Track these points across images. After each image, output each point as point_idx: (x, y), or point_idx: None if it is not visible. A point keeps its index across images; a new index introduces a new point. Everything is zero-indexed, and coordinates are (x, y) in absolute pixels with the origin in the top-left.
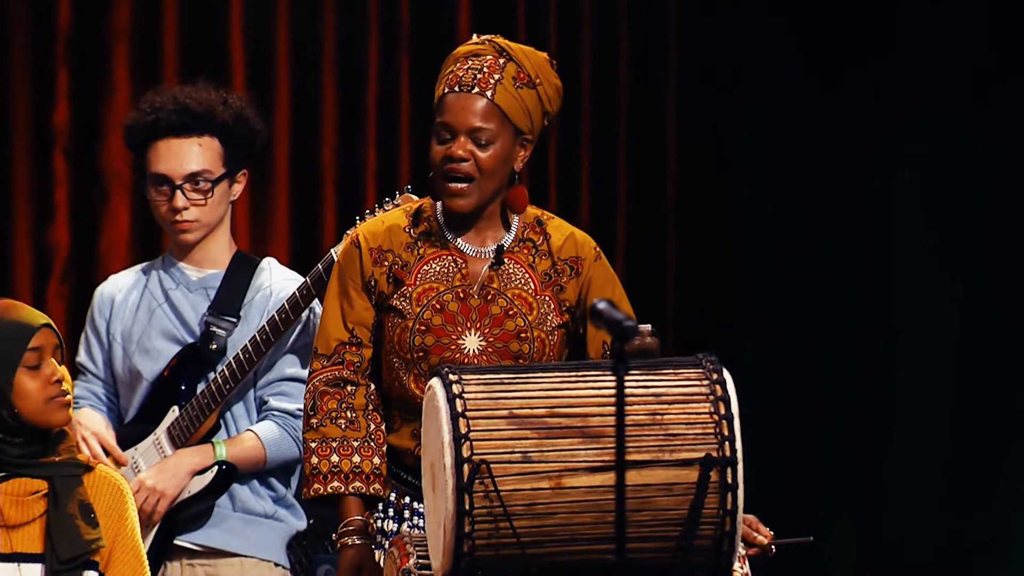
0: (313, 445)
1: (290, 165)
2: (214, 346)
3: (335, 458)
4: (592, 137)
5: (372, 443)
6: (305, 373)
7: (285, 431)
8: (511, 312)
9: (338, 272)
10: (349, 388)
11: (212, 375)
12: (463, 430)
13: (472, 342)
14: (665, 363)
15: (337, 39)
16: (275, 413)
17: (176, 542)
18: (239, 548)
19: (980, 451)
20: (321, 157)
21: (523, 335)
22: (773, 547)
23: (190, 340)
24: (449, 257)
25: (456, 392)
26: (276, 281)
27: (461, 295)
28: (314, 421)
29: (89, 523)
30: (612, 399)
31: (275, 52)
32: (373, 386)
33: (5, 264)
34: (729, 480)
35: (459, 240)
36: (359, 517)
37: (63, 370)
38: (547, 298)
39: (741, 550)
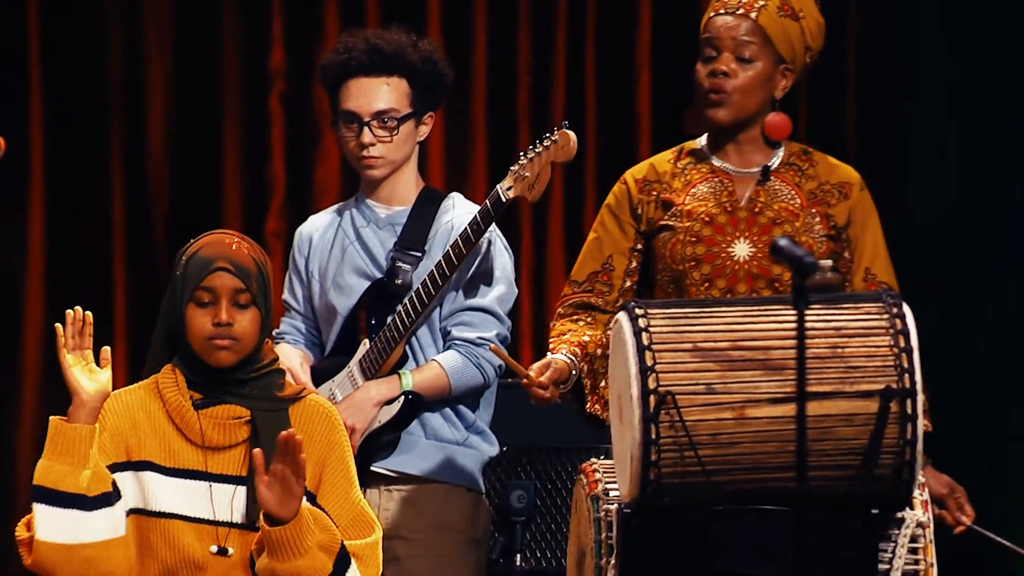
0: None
1: (487, 106)
2: (399, 281)
3: (568, 336)
4: None
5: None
6: (484, 301)
7: (468, 359)
8: (779, 221)
9: (603, 210)
10: (595, 315)
11: (399, 308)
12: (649, 362)
13: (742, 249)
14: (846, 297)
15: None
16: (457, 343)
17: (373, 468)
18: (434, 474)
19: None
20: (517, 99)
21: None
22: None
23: (379, 276)
24: (716, 179)
25: (642, 326)
26: (459, 215)
27: (729, 209)
28: (551, 344)
29: None
30: (793, 332)
31: None
32: None
33: (218, 203)
34: (909, 411)
35: (725, 163)
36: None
37: (247, 317)
38: (814, 211)
39: (920, 478)
